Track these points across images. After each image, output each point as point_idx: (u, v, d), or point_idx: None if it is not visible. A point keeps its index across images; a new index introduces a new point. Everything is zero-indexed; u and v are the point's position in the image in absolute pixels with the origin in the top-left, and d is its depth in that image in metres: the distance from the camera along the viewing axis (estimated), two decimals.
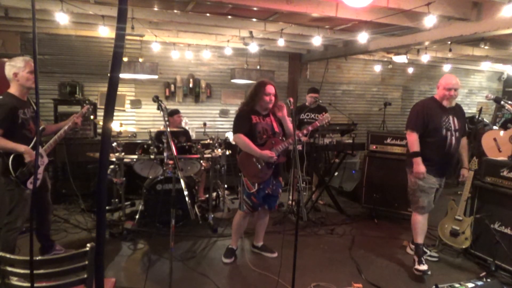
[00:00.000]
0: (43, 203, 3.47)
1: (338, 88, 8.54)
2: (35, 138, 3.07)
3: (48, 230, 3.60)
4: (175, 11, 4.81)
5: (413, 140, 3.54)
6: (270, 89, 3.41)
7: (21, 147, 2.92)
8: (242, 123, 3.42)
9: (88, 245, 1.71)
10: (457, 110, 3.63)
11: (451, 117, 3.53)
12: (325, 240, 4.30)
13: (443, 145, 3.50)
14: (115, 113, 0.81)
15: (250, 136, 3.39)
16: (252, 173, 3.43)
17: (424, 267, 3.47)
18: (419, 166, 3.48)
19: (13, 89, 3.07)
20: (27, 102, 3.17)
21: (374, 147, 5.22)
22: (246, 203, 3.50)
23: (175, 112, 5.27)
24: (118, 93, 0.84)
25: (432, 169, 3.52)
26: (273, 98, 3.44)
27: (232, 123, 3.55)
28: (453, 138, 3.51)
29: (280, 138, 3.51)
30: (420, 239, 3.60)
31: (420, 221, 3.59)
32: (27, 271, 1.67)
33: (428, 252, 3.84)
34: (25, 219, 3.11)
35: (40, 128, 3.16)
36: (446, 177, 3.72)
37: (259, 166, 3.40)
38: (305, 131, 3.62)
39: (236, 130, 3.44)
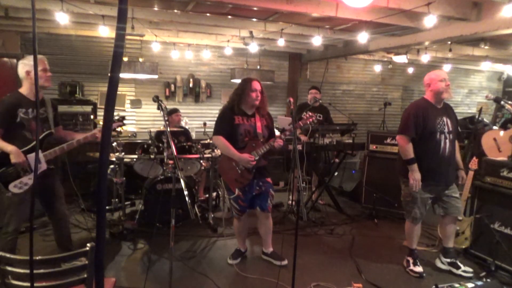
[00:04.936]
0: (52, 213, 3.31)
1: (338, 88, 8.54)
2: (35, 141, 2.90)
3: (65, 244, 3.35)
4: (175, 11, 4.81)
5: (406, 146, 3.31)
6: (256, 85, 3.31)
7: (8, 147, 2.76)
8: (223, 125, 3.32)
9: (88, 244, 1.71)
10: (448, 109, 3.42)
11: (445, 119, 3.31)
12: (325, 240, 4.30)
13: (437, 150, 3.28)
14: (115, 113, 0.82)
15: (231, 138, 3.28)
16: (232, 177, 3.32)
17: (419, 268, 3.49)
18: (416, 173, 3.26)
19: (23, 88, 2.98)
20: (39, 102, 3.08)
21: (374, 147, 5.22)
22: (233, 207, 3.45)
23: (174, 111, 5.27)
24: (118, 93, 0.84)
25: (429, 178, 3.30)
26: (259, 94, 3.31)
27: None
28: (447, 141, 3.29)
29: (262, 140, 3.34)
30: (414, 245, 3.59)
31: (414, 230, 3.53)
32: (27, 271, 1.67)
33: (462, 267, 3.46)
34: (20, 222, 3.00)
35: (47, 132, 3.01)
36: (448, 185, 3.38)
37: (239, 170, 3.29)
38: (282, 136, 3.38)
39: (216, 131, 3.34)
